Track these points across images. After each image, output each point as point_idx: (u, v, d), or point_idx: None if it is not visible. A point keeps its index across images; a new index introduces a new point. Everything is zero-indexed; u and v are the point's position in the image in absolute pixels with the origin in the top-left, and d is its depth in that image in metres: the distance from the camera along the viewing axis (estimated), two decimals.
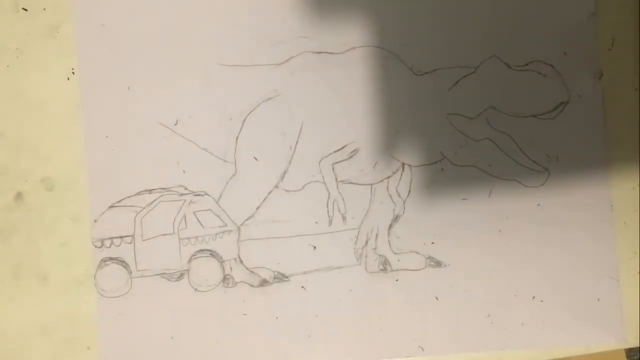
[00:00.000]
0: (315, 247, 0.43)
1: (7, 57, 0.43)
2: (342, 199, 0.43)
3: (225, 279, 0.43)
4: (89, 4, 0.43)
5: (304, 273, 0.43)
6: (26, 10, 0.43)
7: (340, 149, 0.43)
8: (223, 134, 0.43)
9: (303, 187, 0.43)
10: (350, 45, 0.43)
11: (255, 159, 0.43)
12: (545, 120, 0.44)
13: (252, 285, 0.43)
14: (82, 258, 0.43)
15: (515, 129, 0.43)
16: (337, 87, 0.43)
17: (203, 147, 0.43)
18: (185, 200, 0.43)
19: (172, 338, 0.43)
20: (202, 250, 0.43)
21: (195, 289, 0.43)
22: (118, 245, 0.43)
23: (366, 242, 0.43)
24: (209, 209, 0.43)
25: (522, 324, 0.44)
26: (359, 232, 0.43)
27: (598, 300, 0.44)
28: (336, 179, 0.43)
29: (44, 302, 0.43)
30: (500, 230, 0.44)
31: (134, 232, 0.43)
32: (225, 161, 0.43)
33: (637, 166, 0.45)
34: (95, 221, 0.43)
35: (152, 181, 0.43)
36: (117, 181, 0.43)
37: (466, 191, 0.43)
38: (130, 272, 0.43)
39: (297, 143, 0.43)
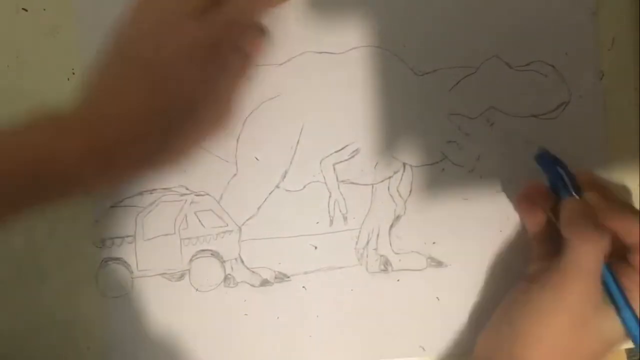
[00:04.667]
0: (316, 247, 0.43)
1: (7, 57, 0.43)
2: (343, 199, 0.43)
3: (226, 278, 0.43)
4: (89, 4, 0.43)
5: (305, 273, 0.43)
6: (26, 10, 0.43)
7: (341, 149, 0.43)
8: (224, 134, 0.43)
9: (304, 187, 0.43)
10: (351, 45, 0.43)
11: (257, 159, 0.43)
12: (546, 120, 0.44)
13: (253, 285, 0.43)
14: (82, 258, 0.43)
15: (516, 129, 0.43)
16: (338, 87, 0.43)
17: (204, 147, 0.43)
18: (186, 200, 0.43)
19: (173, 338, 0.43)
20: (203, 250, 0.43)
21: (196, 289, 0.43)
22: (119, 245, 0.43)
23: (367, 242, 0.44)
24: (210, 209, 0.43)
25: None
26: (360, 232, 0.43)
27: None
28: (337, 179, 0.43)
29: (44, 302, 0.43)
30: (501, 231, 0.44)
31: (135, 232, 0.43)
32: (227, 161, 0.43)
33: (637, 166, 0.45)
34: (96, 221, 0.42)
35: (153, 181, 0.43)
36: None
37: (467, 191, 0.43)
38: (131, 272, 0.43)
39: (298, 143, 0.43)
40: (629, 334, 0.36)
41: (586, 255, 0.36)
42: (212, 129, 0.40)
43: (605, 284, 0.37)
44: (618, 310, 0.36)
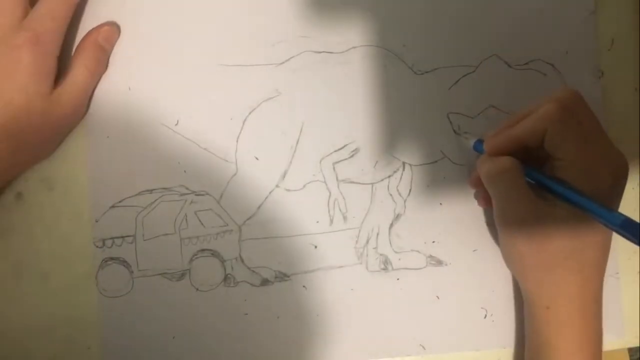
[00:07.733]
0: (316, 247, 0.43)
1: None
2: (343, 198, 0.43)
3: (226, 278, 0.43)
4: (89, 4, 0.43)
5: (305, 272, 0.43)
6: None
7: (341, 148, 0.43)
8: (224, 134, 0.43)
9: (304, 186, 0.43)
10: (350, 44, 0.43)
11: (256, 158, 0.43)
12: None
13: (254, 285, 0.43)
14: (82, 258, 0.43)
15: None
16: (337, 86, 0.43)
17: (204, 147, 0.43)
18: (186, 200, 0.43)
19: (173, 338, 0.43)
20: (203, 250, 0.43)
21: (197, 289, 0.43)
22: (119, 245, 0.43)
23: (367, 242, 0.44)
24: (210, 209, 0.43)
25: (522, 322, 0.44)
26: (359, 231, 0.44)
27: None
28: (337, 179, 0.43)
29: (44, 301, 0.43)
30: None
31: (135, 232, 0.43)
32: (226, 161, 0.43)
33: (637, 166, 0.45)
34: (96, 221, 0.42)
35: (153, 181, 0.43)
36: (118, 181, 0.43)
37: (467, 190, 0.44)
38: (131, 272, 0.43)
39: (297, 142, 0.43)
40: (581, 207, 0.37)
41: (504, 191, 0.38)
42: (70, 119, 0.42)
43: (538, 183, 0.38)
44: (560, 195, 0.37)
